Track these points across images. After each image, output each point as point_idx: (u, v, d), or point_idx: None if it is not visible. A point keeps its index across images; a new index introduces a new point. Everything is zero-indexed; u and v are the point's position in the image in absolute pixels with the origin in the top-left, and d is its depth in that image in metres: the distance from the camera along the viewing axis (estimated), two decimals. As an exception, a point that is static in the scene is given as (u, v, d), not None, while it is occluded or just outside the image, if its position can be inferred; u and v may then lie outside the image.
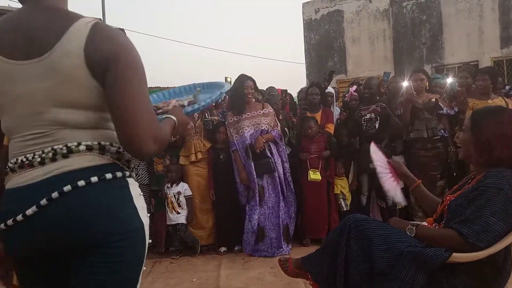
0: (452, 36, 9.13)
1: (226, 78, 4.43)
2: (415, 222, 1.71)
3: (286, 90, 4.54)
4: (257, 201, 3.81)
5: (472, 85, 4.18)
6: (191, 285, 3.17)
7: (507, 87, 4.85)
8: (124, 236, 1.04)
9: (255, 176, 3.81)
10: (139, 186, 1.16)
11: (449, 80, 4.74)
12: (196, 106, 1.42)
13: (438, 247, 1.52)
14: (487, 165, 1.57)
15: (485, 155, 1.58)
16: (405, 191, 4.22)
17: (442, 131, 4.12)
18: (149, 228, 1.14)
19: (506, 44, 8.58)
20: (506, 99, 4.07)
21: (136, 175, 1.20)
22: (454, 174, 4.27)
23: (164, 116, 1.22)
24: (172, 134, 1.22)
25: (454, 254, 1.46)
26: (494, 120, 1.59)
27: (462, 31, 9.00)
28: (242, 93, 3.88)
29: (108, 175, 1.04)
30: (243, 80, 3.92)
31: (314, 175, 4.00)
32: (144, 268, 1.14)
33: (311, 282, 1.84)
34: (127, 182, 1.10)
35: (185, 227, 3.93)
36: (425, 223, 1.77)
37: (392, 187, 2.00)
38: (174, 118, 1.21)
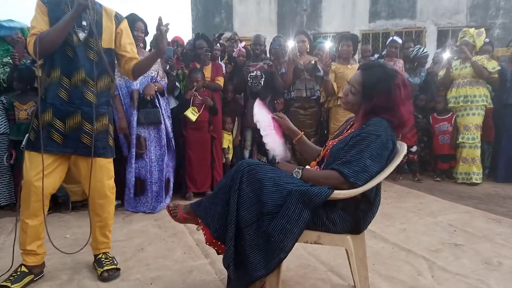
0: (330, 6, 9.77)
1: None
2: (301, 167, 1.82)
3: (177, 41, 4.30)
4: (135, 153, 3.61)
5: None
6: (65, 241, 2.89)
7: (376, 55, 5.43)
8: None
9: (135, 126, 3.57)
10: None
11: (328, 44, 5.10)
12: None
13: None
14: (367, 114, 1.73)
15: (369, 109, 1.72)
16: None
17: (318, 92, 4.47)
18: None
19: (373, 19, 9.55)
20: None
21: None
22: (325, 131, 4.74)
23: None
24: None
25: (335, 191, 1.62)
26: (383, 83, 1.69)
27: (338, 2, 9.69)
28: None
29: None
30: (133, 21, 3.47)
31: (191, 114, 3.91)
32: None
33: (202, 227, 1.83)
34: None
35: (57, 181, 3.56)
36: (308, 167, 1.91)
37: (274, 143, 2.08)
38: None
